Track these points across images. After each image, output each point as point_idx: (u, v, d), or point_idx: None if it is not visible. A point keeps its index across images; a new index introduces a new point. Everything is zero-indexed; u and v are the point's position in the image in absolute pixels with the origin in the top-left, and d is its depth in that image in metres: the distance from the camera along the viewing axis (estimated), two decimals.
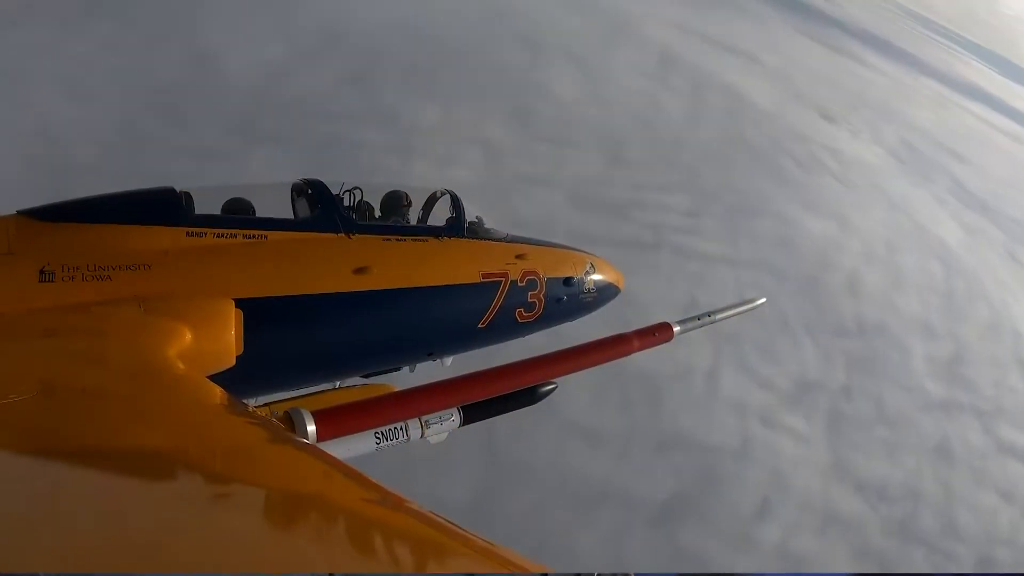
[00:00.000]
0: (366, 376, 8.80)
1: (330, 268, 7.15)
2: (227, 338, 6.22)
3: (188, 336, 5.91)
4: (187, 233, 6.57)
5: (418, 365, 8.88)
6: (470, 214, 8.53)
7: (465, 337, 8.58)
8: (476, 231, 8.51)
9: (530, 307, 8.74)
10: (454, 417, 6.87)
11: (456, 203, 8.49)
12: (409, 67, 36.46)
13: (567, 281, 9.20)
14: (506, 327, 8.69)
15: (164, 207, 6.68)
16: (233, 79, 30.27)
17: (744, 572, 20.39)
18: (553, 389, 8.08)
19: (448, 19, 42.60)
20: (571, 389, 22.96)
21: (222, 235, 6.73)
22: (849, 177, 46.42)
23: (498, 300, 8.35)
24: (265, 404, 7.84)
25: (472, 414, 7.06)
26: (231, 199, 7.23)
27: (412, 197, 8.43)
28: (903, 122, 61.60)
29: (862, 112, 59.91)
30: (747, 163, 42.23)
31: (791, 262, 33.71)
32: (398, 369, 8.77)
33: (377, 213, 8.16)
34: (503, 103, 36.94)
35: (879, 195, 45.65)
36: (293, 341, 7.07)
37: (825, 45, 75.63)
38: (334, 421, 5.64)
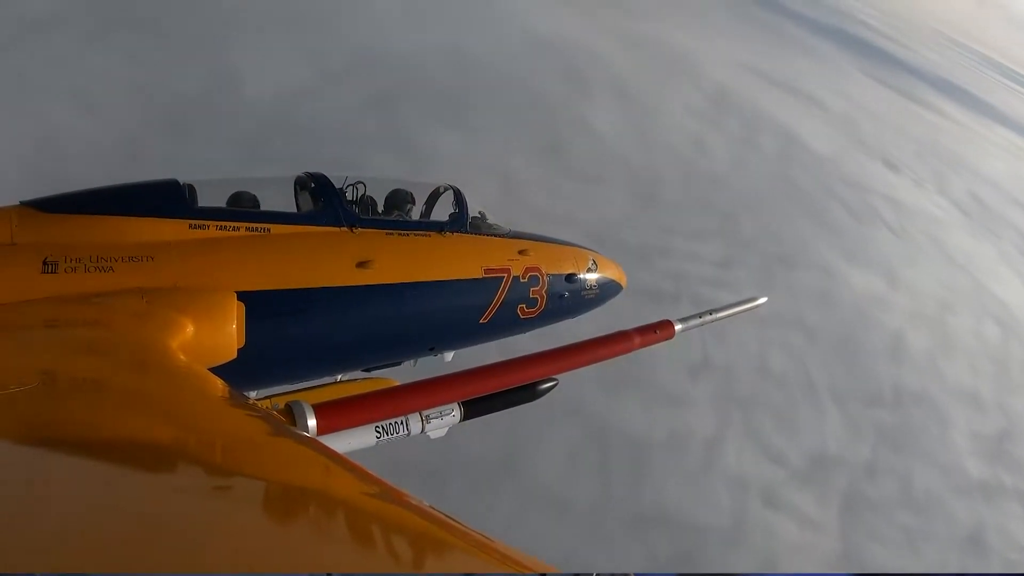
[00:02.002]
0: (367, 370, 8.76)
1: (332, 262, 7.15)
2: (229, 330, 6.22)
3: (190, 328, 5.92)
4: (190, 225, 6.58)
5: (419, 360, 8.85)
6: (473, 209, 8.53)
7: (467, 332, 8.60)
8: (479, 226, 8.52)
9: (532, 303, 8.78)
10: (455, 412, 6.71)
11: (459, 198, 8.49)
12: (439, 94, 34.87)
13: (569, 277, 9.20)
14: (508, 323, 8.72)
15: (167, 199, 6.68)
16: (252, 98, 29.10)
17: (744, 572, 19.70)
18: (554, 386, 7.81)
19: (489, 47, 40.97)
20: (547, 448, 21.40)
21: (225, 228, 6.73)
22: (905, 229, 43.28)
23: (500, 296, 8.38)
24: (266, 397, 7.88)
25: (473, 409, 6.87)
26: (234, 192, 7.23)
27: (415, 192, 8.42)
28: (973, 173, 57.93)
29: (929, 161, 56.52)
30: (793, 210, 39.50)
31: (827, 320, 30.88)
32: (399, 363, 8.74)
33: (380, 208, 8.11)
34: (534, 136, 34.98)
35: (936, 249, 42.38)
36: (295, 334, 7.07)
37: (897, 91, 72.33)
38: (335, 414, 5.53)
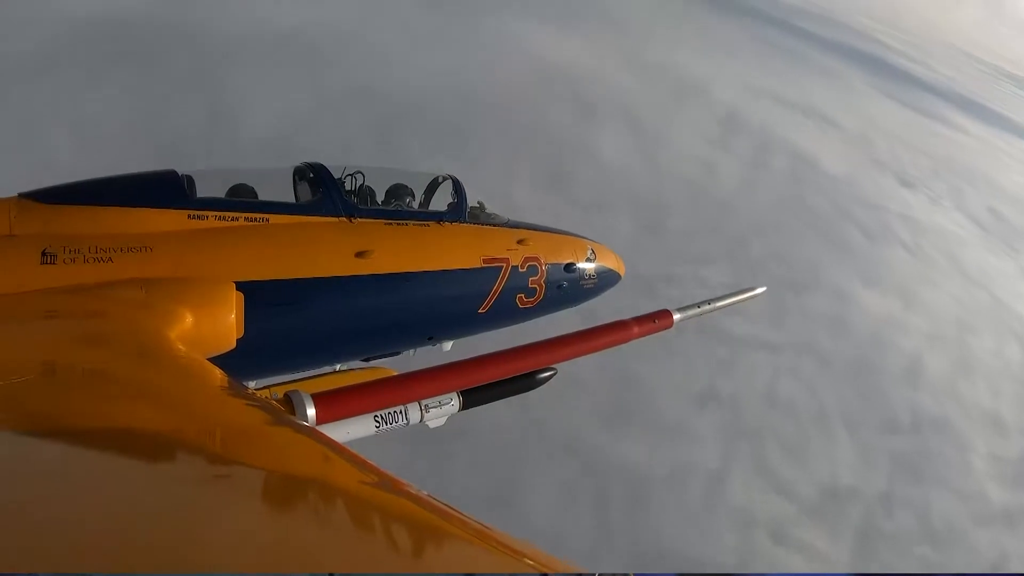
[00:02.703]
0: (366, 360, 8.71)
1: (331, 252, 7.12)
2: (228, 321, 6.20)
3: (189, 318, 5.91)
4: (189, 216, 6.54)
5: (418, 349, 8.81)
6: (472, 199, 8.49)
7: (465, 322, 8.55)
8: (477, 216, 8.49)
9: (531, 292, 8.74)
10: (453, 402, 6.69)
11: (458, 188, 8.46)
12: (441, 123, 34.45)
13: (568, 267, 9.14)
14: (506, 312, 8.67)
15: (166, 190, 6.64)
16: (247, 131, 28.80)
17: (744, 572, 19.49)
18: (552, 375, 7.77)
19: (494, 76, 40.68)
20: (541, 484, 20.70)
21: (224, 218, 6.69)
22: (921, 247, 42.31)
23: (499, 285, 8.35)
24: (265, 387, 7.93)
25: (472, 399, 6.86)
26: (233, 182, 7.20)
27: (414, 182, 8.40)
28: (991, 188, 56.82)
29: (946, 177, 55.47)
30: (805, 232, 38.63)
31: (840, 344, 29.98)
32: (398, 353, 8.70)
33: (379, 198, 8.06)
34: (538, 164, 34.47)
35: (954, 267, 41.33)
36: (294, 324, 7.05)
37: (912, 107, 71.39)
38: (334, 404, 5.47)
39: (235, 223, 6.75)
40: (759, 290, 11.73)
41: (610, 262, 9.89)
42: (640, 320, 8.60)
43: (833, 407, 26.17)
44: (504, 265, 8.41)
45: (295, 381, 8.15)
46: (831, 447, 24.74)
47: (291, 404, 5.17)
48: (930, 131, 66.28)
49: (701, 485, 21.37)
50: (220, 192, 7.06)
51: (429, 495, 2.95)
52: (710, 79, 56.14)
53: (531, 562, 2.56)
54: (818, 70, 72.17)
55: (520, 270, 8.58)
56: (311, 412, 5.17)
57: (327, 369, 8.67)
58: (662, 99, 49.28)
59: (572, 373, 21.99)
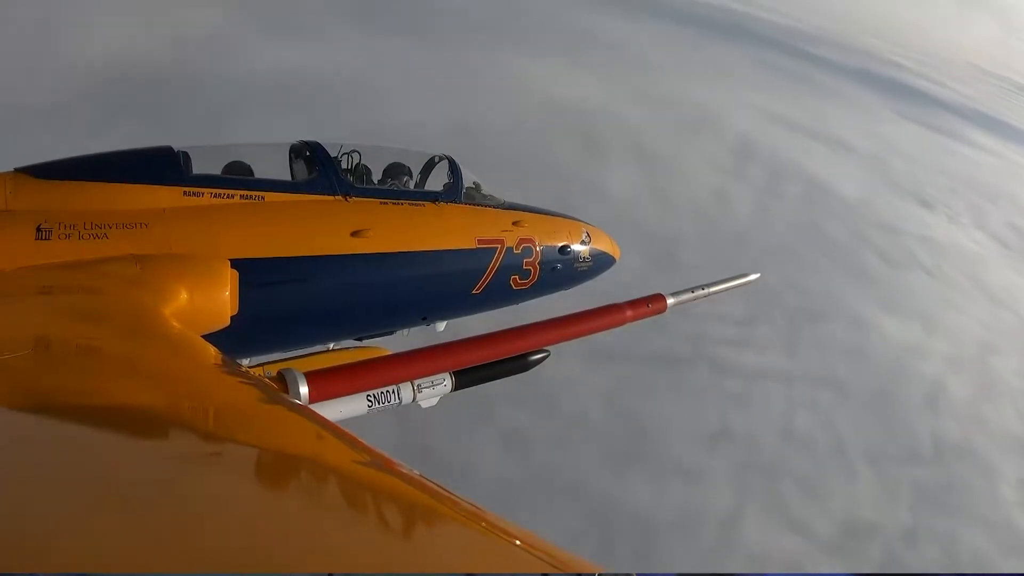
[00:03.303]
0: (360, 339, 8.71)
1: (327, 230, 7.10)
2: (222, 298, 6.17)
3: (183, 295, 5.89)
4: (184, 193, 6.53)
5: (412, 329, 8.81)
6: (468, 179, 8.47)
7: (459, 302, 8.54)
8: (473, 197, 8.46)
9: (525, 274, 8.69)
10: (446, 382, 6.73)
11: (454, 168, 8.42)
12: None
13: (563, 249, 9.10)
14: (500, 294, 8.64)
15: (162, 166, 6.63)
16: None
17: (744, 572, 19.26)
18: (545, 357, 7.81)
19: (500, 114, 40.58)
20: (542, 530, 19.80)
21: (219, 195, 6.68)
22: (942, 269, 41.53)
23: (493, 266, 8.31)
24: (258, 364, 7.77)
25: (464, 379, 6.88)
26: (229, 159, 7.16)
27: (411, 162, 8.37)
28: (1012, 204, 55.87)
29: (965, 195, 54.66)
30: (821, 260, 38.02)
31: (859, 374, 29.29)
32: (392, 332, 8.73)
33: (375, 177, 8.04)
34: (544, 200, 33.96)
35: (976, 288, 40.52)
36: (288, 302, 7.03)
37: (929, 127, 70.62)
38: (327, 383, 5.51)
39: (230, 200, 6.73)
40: (752, 276, 11.57)
41: (605, 245, 9.79)
42: (634, 304, 8.67)
43: (851, 439, 25.48)
44: (499, 246, 8.38)
45: (288, 359, 8.18)
46: (850, 481, 24.04)
47: (284, 382, 5.22)
48: (948, 149, 65.50)
49: (713, 528, 20.73)
50: (216, 169, 7.04)
51: (421, 475, 2.94)
52: (722, 109, 55.91)
53: (521, 543, 2.55)
54: (832, 95, 71.69)
55: (515, 251, 8.54)
56: (304, 390, 5.22)
57: (320, 348, 8.63)
58: (673, 131, 49.04)
59: (576, 413, 21.72)
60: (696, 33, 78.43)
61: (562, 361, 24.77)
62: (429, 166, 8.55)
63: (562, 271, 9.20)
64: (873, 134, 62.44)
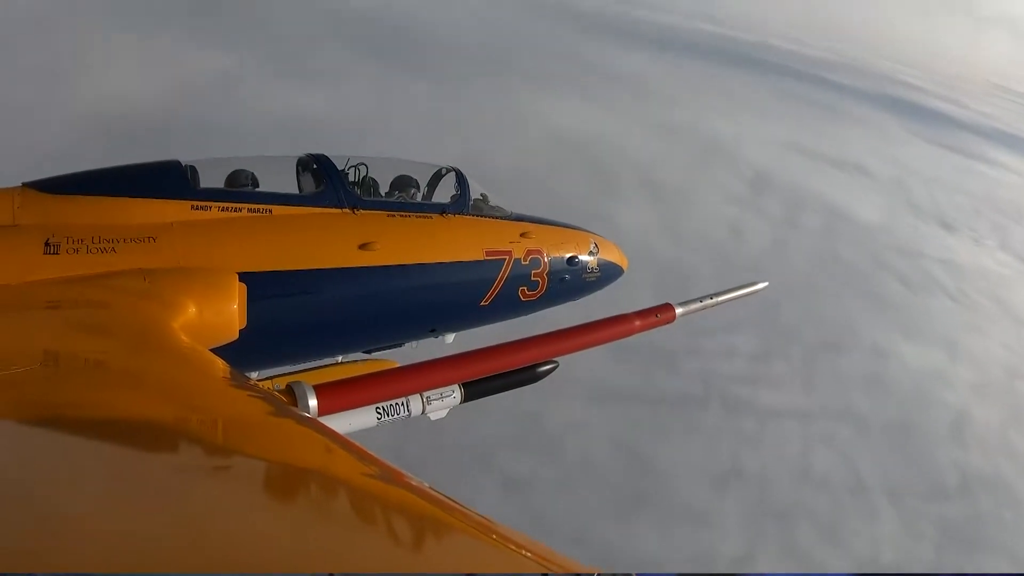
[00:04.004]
0: (368, 351, 8.72)
1: (334, 243, 7.07)
2: (230, 311, 6.14)
3: (192, 309, 5.87)
4: (192, 207, 6.53)
5: (420, 341, 8.77)
6: (475, 191, 8.42)
7: (468, 314, 8.48)
8: (481, 208, 8.41)
9: (533, 285, 8.65)
10: (455, 394, 6.72)
11: (461, 180, 8.39)
12: None
13: (571, 260, 9.04)
14: (509, 305, 8.61)
15: (169, 180, 6.64)
16: None
17: (744, 572, 19.14)
18: (554, 368, 7.81)
19: (507, 149, 40.26)
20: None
21: (227, 209, 6.66)
22: (966, 293, 40.48)
23: (501, 278, 8.26)
24: (267, 378, 7.83)
25: (473, 391, 6.88)
26: (236, 173, 7.16)
27: (418, 174, 8.35)
28: None
29: (988, 216, 53.58)
30: (839, 289, 37.17)
31: (880, 406, 28.38)
32: (400, 345, 8.71)
33: (382, 189, 8.01)
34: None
35: (1001, 310, 39.42)
36: (296, 315, 7.00)
37: (949, 148, 69.56)
38: (336, 395, 5.54)
39: (238, 214, 6.72)
40: (760, 285, 11.23)
41: (613, 256, 9.70)
42: (642, 314, 8.66)
43: (872, 475, 24.55)
44: (507, 258, 8.32)
45: (297, 372, 8.17)
46: (871, 520, 23.07)
47: (293, 395, 5.25)
48: (969, 170, 64.40)
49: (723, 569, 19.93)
50: (223, 182, 7.07)
51: (431, 487, 2.93)
52: (738, 139, 55.43)
53: (531, 555, 2.53)
54: (850, 120, 71.00)
55: (523, 263, 8.48)
56: (313, 403, 5.25)
57: (329, 360, 8.58)
58: (686, 163, 48.61)
59: (581, 457, 21.08)
60: (711, 64, 78.29)
61: (566, 404, 24.36)
62: (436, 178, 8.54)
63: (570, 282, 9.13)
64: (893, 158, 61.55)
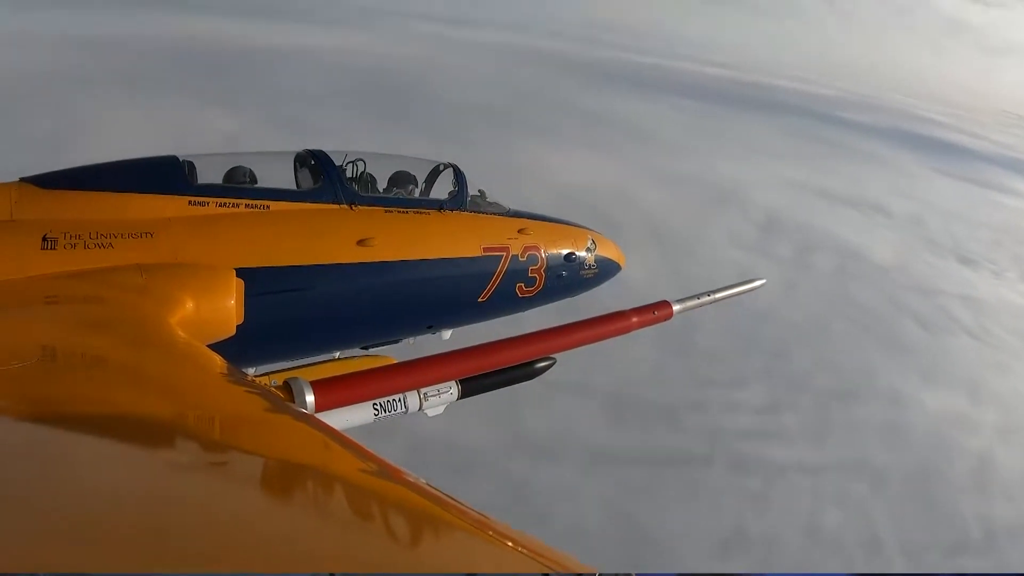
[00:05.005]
0: (365, 347, 8.63)
1: (332, 239, 7.07)
2: (228, 307, 6.16)
3: (189, 305, 5.88)
4: (190, 202, 6.52)
5: (418, 337, 8.80)
6: (473, 187, 8.43)
7: (465, 310, 8.49)
8: (478, 204, 8.42)
9: (531, 282, 8.66)
10: (452, 390, 6.71)
11: (459, 176, 8.39)
12: None
13: (568, 256, 9.03)
14: (506, 301, 8.60)
15: (167, 176, 6.63)
16: None
17: (744, 572, 18.81)
18: (551, 364, 7.79)
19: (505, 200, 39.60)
20: None
21: (224, 204, 6.66)
22: (988, 329, 39.10)
23: (499, 274, 8.27)
24: (264, 373, 7.71)
25: (470, 387, 6.89)
26: (234, 168, 7.14)
27: (416, 170, 8.34)
28: None
29: (1008, 247, 52.23)
30: (854, 333, 35.90)
31: (897, 457, 26.97)
32: (398, 341, 8.67)
33: (380, 185, 8.00)
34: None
35: None
36: (293, 311, 6.97)
37: (967, 180, 68.53)
38: (333, 391, 5.51)
39: (236, 209, 6.71)
40: (758, 282, 11.14)
41: (611, 252, 9.68)
42: (640, 311, 8.56)
43: (888, 533, 23.10)
44: (504, 254, 8.32)
45: (295, 368, 8.00)
46: None
47: (290, 391, 5.19)
48: (988, 201, 63.35)
49: None
50: (221, 178, 7.03)
51: (428, 483, 2.90)
52: (748, 183, 54.71)
53: (526, 551, 2.52)
54: (864, 157, 70.26)
55: (520, 259, 8.49)
56: (310, 399, 5.20)
57: (326, 356, 8.50)
58: (693, 210, 47.95)
59: (572, 524, 19.93)
60: (719, 108, 77.97)
61: (557, 468, 23.25)
62: (434, 174, 8.52)
63: (568, 278, 9.13)
64: (909, 194, 60.69)
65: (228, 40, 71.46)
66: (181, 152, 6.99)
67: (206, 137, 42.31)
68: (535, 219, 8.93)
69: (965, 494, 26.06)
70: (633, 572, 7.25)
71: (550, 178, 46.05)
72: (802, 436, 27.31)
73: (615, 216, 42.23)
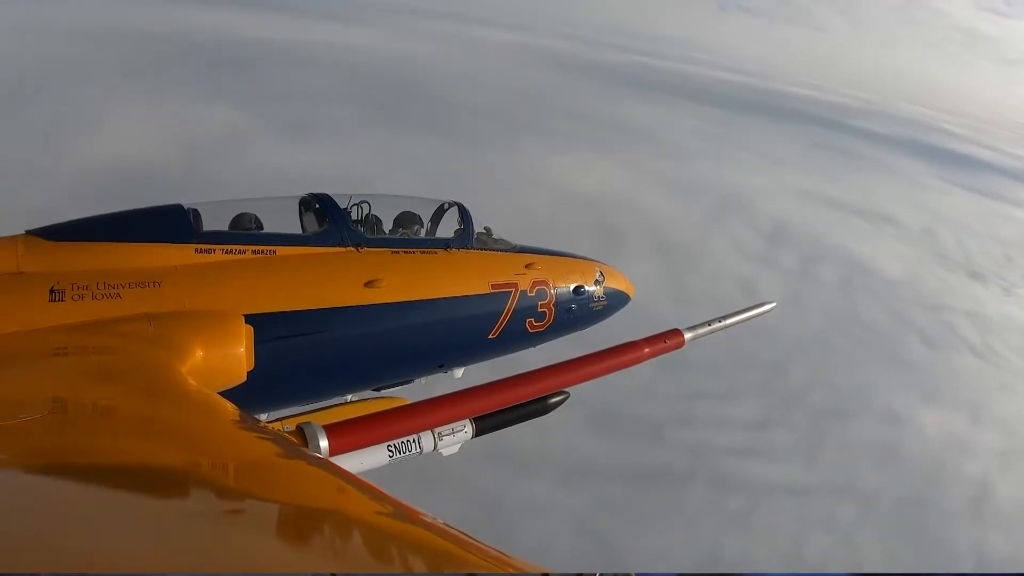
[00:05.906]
0: (377, 389, 8.47)
1: (340, 282, 7.01)
2: (238, 354, 6.09)
3: (199, 352, 5.84)
4: (196, 250, 6.48)
5: (429, 377, 8.67)
6: (478, 225, 8.37)
7: (476, 348, 8.35)
8: (485, 242, 8.39)
9: (540, 317, 8.56)
10: (466, 428, 6.79)
11: (464, 215, 8.33)
12: None
13: (577, 290, 8.92)
14: (517, 337, 8.46)
15: (172, 224, 6.59)
16: None
17: (744, 572, 18.74)
18: (565, 399, 7.84)
19: (510, 208, 38.85)
20: None
21: (231, 251, 6.60)
22: (993, 348, 38.10)
23: (508, 310, 8.18)
24: (277, 419, 7.63)
25: (484, 425, 7.00)
26: (239, 214, 7.12)
27: (420, 209, 8.29)
28: None
29: (1019, 263, 51.10)
30: (855, 349, 35.05)
31: (889, 480, 26.06)
32: (410, 381, 8.52)
33: (386, 226, 7.94)
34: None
35: None
36: (304, 355, 6.86)
37: (980, 193, 67.33)
38: (346, 435, 5.57)
39: (242, 256, 6.64)
40: (769, 306, 10.82)
41: (619, 284, 9.46)
42: (651, 340, 8.52)
43: (875, 561, 22.17)
44: (513, 290, 8.20)
45: (307, 413, 7.85)
46: None
47: (304, 436, 5.21)
48: (1000, 214, 62.17)
49: None
50: (226, 224, 6.95)
51: (445, 523, 2.89)
52: (755, 191, 53.79)
53: None
54: (876, 167, 69.10)
55: (529, 294, 8.35)
56: (324, 444, 5.23)
57: (338, 400, 8.30)
58: (698, 218, 47.06)
59: (539, 543, 19.00)
60: (732, 115, 76.94)
61: (531, 481, 22.39)
62: (439, 213, 8.38)
63: (577, 311, 8.92)
64: (921, 205, 59.60)
65: (234, 33, 71.23)
66: (185, 200, 6.90)
67: (210, 129, 41.93)
68: (542, 254, 8.79)
69: (959, 522, 25.12)
70: (633, 572, 7.11)
71: (556, 183, 45.38)
72: (791, 454, 26.39)
73: (620, 223, 41.50)
